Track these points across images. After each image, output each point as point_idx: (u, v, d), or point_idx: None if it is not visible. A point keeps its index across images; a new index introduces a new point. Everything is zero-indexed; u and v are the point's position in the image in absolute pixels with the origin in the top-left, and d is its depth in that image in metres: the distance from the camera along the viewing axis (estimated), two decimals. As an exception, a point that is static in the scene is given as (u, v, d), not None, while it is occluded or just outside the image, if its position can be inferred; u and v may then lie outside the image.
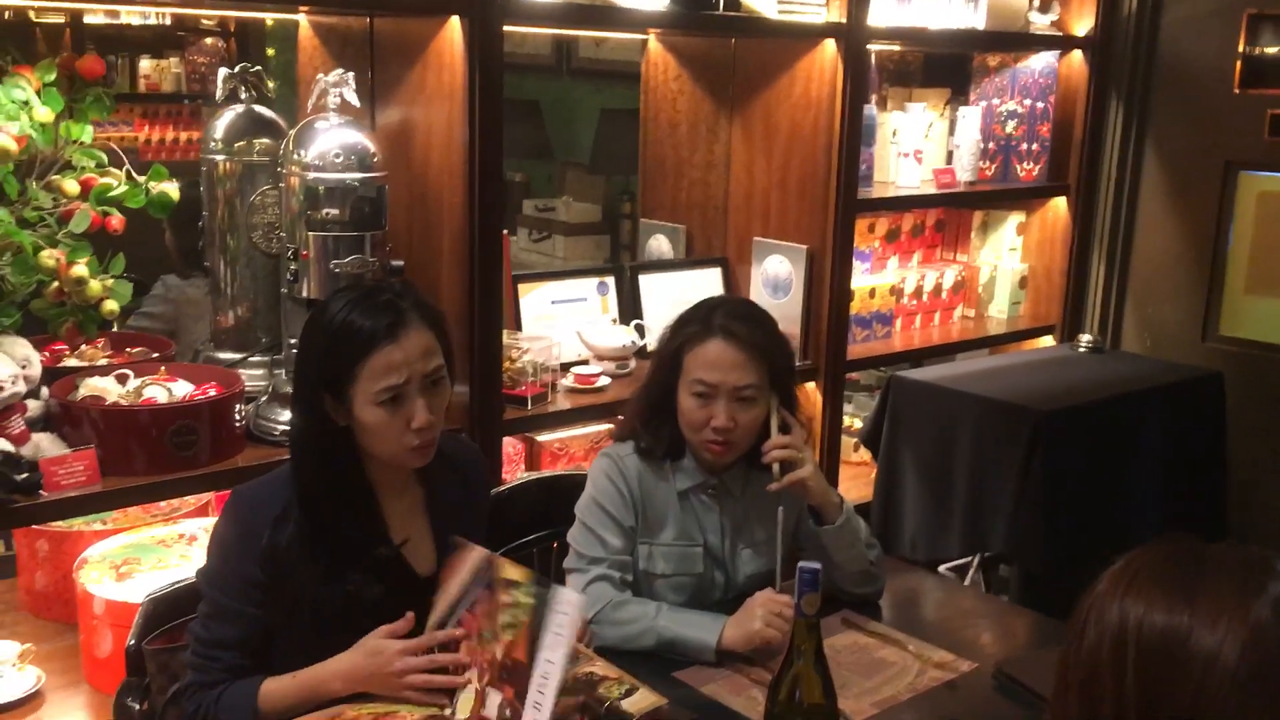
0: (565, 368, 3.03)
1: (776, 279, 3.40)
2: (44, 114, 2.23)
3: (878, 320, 3.69)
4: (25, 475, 2.16)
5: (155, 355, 2.71)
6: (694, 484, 2.13)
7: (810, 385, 3.39)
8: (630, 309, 3.36)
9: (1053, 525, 3.14)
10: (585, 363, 3.11)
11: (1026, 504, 3.12)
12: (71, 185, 2.36)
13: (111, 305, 2.41)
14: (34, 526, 2.60)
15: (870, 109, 3.52)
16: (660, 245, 3.72)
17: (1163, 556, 0.97)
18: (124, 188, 2.35)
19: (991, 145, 3.95)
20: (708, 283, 3.53)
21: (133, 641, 1.92)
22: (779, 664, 1.56)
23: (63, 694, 2.35)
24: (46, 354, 2.63)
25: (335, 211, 2.50)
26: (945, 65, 4.08)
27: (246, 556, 1.77)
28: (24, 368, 2.30)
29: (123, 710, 1.87)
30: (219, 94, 2.78)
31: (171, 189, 2.43)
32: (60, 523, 2.59)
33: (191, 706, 1.78)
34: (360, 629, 1.78)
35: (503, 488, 2.45)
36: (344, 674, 1.74)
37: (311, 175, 2.47)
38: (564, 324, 3.18)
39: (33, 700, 2.36)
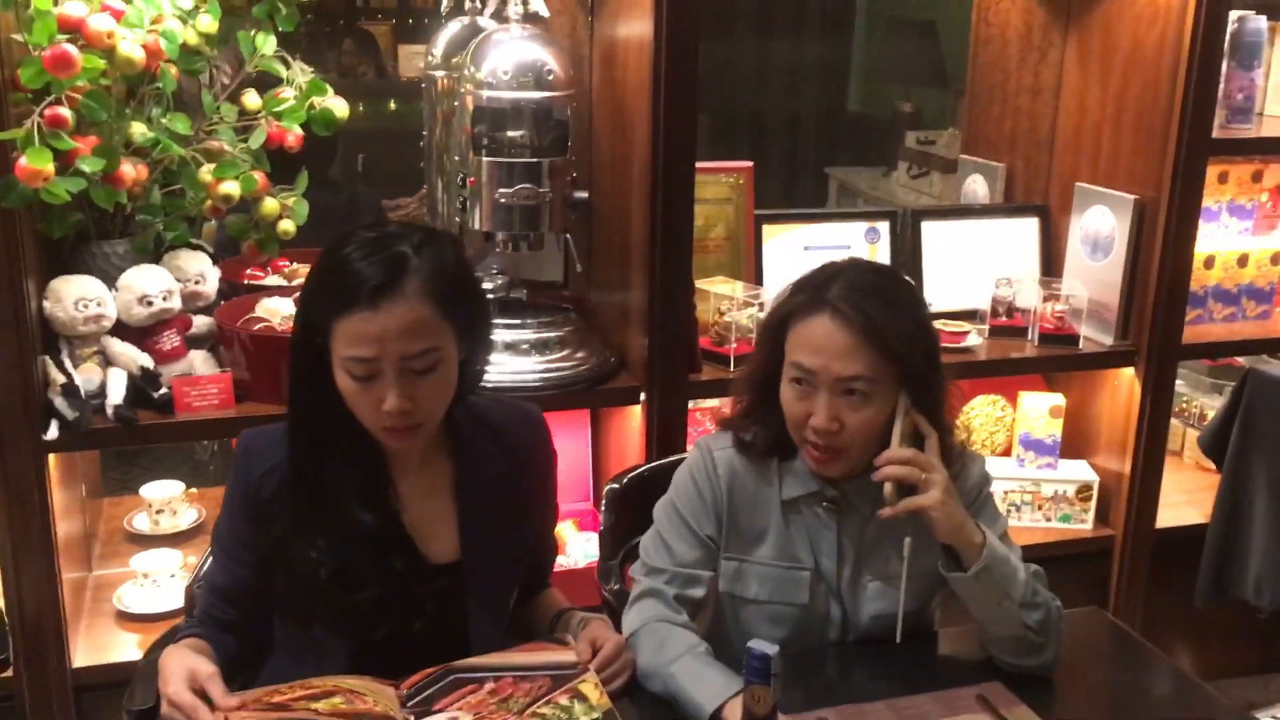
0: (801, 325, 2.60)
1: (1097, 236, 2.74)
2: (207, 24, 2.16)
3: (1249, 295, 2.89)
4: (162, 392, 2.14)
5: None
6: (806, 492, 1.69)
7: (1128, 372, 2.71)
8: (909, 263, 2.85)
9: None
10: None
11: None
12: (252, 100, 2.30)
13: (286, 225, 2.34)
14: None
15: (1257, 21, 2.72)
16: (976, 187, 3.14)
17: None
18: (290, 103, 2.25)
19: None
20: (1016, 236, 2.92)
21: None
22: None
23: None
24: (267, 271, 2.65)
25: (505, 134, 2.26)
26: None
27: (237, 507, 1.60)
28: (196, 283, 2.29)
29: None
30: (444, 6, 2.61)
31: (338, 105, 2.29)
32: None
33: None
34: (347, 613, 1.56)
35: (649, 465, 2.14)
36: (161, 659, 1.52)
37: (485, 94, 2.24)
38: (820, 274, 2.75)
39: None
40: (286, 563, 1.56)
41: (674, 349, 2.33)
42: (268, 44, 2.27)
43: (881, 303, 1.58)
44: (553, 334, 2.37)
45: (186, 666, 1.48)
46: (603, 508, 2.08)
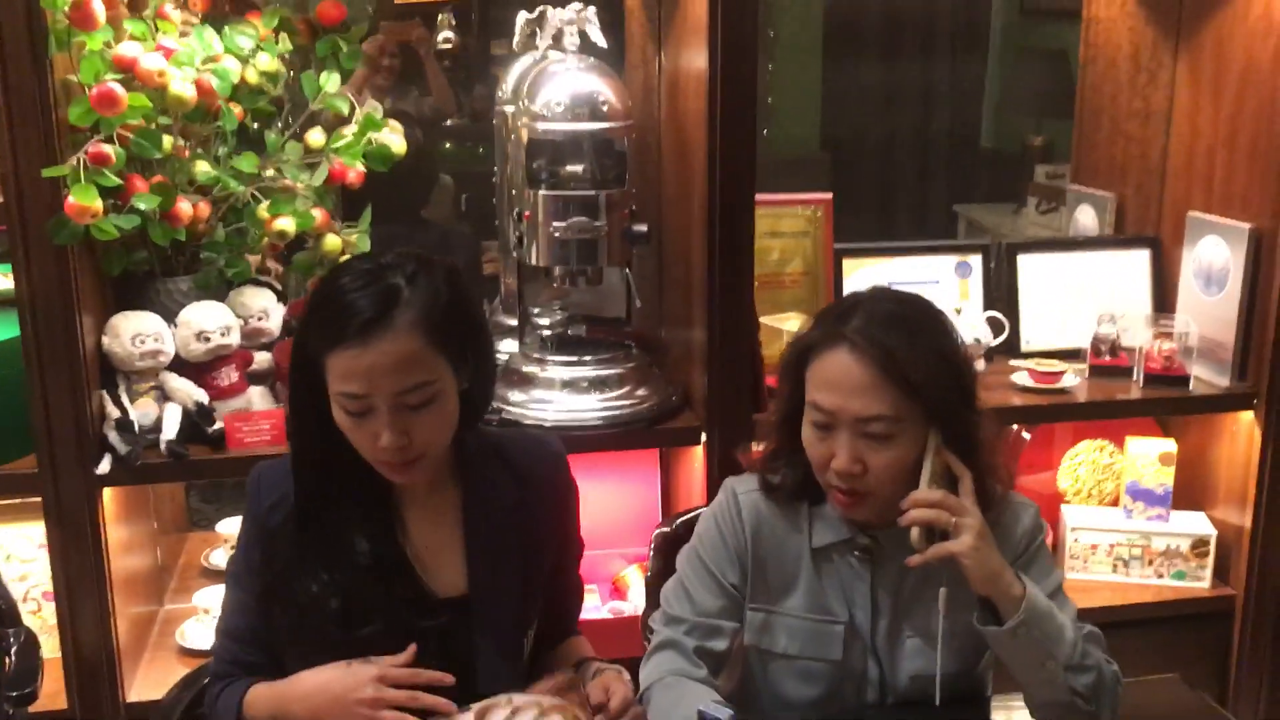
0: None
1: (1210, 268, 2.53)
2: (266, 63, 2.18)
3: (1391, 333, 2.62)
4: (215, 427, 2.15)
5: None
6: (837, 539, 1.57)
7: (1247, 415, 2.48)
8: (1004, 298, 2.68)
9: None
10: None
11: None
12: (315, 138, 2.30)
13: (348, 261, 2.32)
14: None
15: (1392, 33, 2.48)
16: (1085, 219, 2.96)
17: None
18: (347, 140, 2.25)
19: None
20: (1126, 270, 2.72)
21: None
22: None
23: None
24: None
25: (560, 167, 2.21)
26: None
27: (250, 539, 1.59)
28: (259, 320, 2.30)
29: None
30: (515, 40, 2.59)
31: (394, 141, 2.28)
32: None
33: (206, 700, 1.63)
34: (350, 648, 1.51)
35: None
36: (308, 693, 1.49)
37: (540, 126, 2.20)
38: (907, 310, 2.61)
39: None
40: (289, 595, 1.53)
41: (735, 387, 2.23)
42: (330, 82, 2.27)
43: (903, 335, 1.45)
44: (612, 371, 2.30)
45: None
46: (650, 553, 2.00)
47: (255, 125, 2.33)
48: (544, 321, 2.34)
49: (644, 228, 2.25)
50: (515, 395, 2.29)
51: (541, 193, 2.21)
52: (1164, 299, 2.70)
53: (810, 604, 1.58)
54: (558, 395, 2.28)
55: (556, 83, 2.20)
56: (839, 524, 1.57)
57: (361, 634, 1.50)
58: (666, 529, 1.99)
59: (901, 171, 6.30)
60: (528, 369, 2.31)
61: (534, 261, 2.26)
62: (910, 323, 1.48)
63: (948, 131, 6.26)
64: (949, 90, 6.21)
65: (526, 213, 2.23)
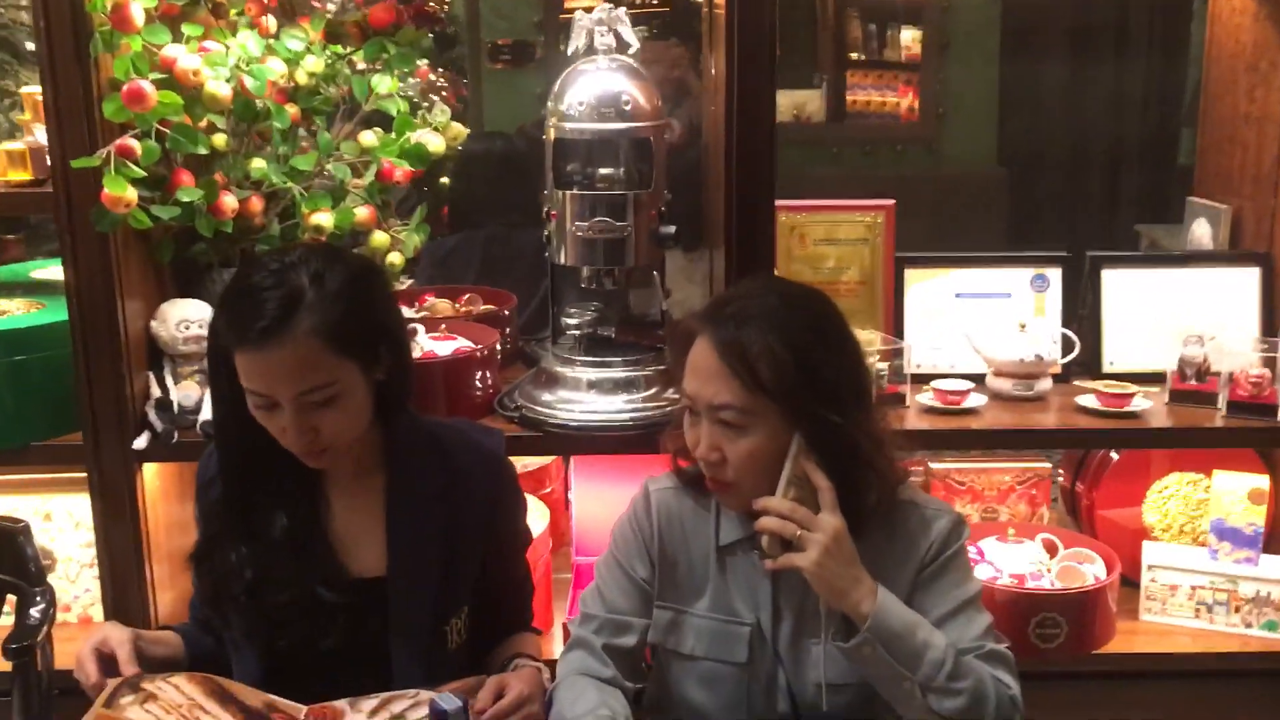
0: (926, 380, 2.35)
1: (1313, 287, 2.28)
2: (312, 64, 2.27)
3: None
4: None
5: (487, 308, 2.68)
6: (742, 536, 1.52)
7: (1342, 452, 2.22)
8: (1089, 315, 2.49)
9: None
10: (979, 377, 2.38)
11: None
12: (367, 138, 2.38)
13: (394, 258, 2.40)
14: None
15: None
16: (1201, 232, 2.72)
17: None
18: (388, 139, 2.31)
19: None
20: (1233, 289, 2.48)
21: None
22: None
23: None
24: (413, 307, 2.73)
25: (585, 167, 2.21)
26: None
27: (197, 513, 1.67)
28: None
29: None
30: (573, 45, 2.60)
31: (431, 140, 2.32)
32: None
33: None
34: (256, 614, 1.57)
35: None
36: None
37: (565, 126, 2.20)
38: (973, 324, 2.46)
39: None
40: (210, 562, 1.59)
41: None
42: (382, 84, 2.34)
43: (766, 328, 1.41)
44: (638, 373, 2.27)
45: (103, 634, 1.55)
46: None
47: (322, 124, 2.43)
48: (573, 322, 2.34)
49: (671, 229, 2.22)
50: (544, 395, 2.29)
51: (567, 193, 2.21)
52: (1275, 321, 2.45)
53: (716, 604, 1.54)
54: (585, 395, 2.27)
55: (582, 83, 2.19)
56: (743, 518, 1.51)
57: (269, 604, 1.54)
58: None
59: (1086, 188, 5.95)
60: (558, 369, 2.31)
61: (562, 261, 2.27)
62: (781, 318, 1.43)
63: (1140, 146, 5.88)
64: (1143, 101, 5.84)
65: (554, 212, 2.24)
